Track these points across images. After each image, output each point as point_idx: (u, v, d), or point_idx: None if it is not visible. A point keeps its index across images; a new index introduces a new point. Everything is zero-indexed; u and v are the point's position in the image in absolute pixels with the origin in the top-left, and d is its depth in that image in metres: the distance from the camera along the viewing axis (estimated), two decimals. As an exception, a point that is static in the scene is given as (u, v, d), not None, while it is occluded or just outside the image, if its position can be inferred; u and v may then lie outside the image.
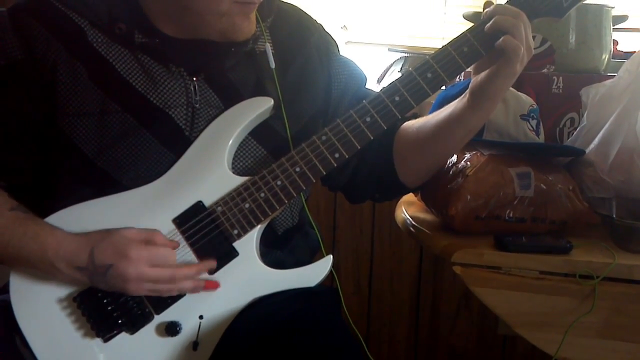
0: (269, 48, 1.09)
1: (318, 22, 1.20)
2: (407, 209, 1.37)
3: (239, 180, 1.03)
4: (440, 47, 1.05)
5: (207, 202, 1.02)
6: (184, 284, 0.99)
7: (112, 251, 0.95)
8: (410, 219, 1.32)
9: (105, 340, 1.00)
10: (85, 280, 0.98)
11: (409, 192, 1.28)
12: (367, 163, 1.18)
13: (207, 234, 1.01)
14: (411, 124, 1.18)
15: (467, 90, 1.07)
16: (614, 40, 1.60)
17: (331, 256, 1.05)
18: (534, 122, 1.33)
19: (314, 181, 1.03)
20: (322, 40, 1.17)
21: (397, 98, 1.02)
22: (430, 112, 1.31)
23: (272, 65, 1.08)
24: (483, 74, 1.04)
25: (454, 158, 1.25)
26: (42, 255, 0.97)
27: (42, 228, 0.99)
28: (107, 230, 0.98)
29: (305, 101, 1.13)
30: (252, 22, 1.02)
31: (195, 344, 1.00)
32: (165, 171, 1.04)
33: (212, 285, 1.01)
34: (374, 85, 1.85)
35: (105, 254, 0.95)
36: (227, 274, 1.02)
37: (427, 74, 1.02)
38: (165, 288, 0.99)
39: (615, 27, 1.57)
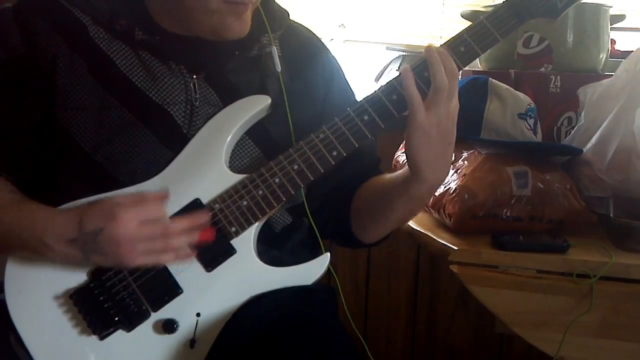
0: (275, 51, 1.09)
1: (326, 44, 1.22)
2: (405, 208, 1.37)
3: (237, 177, 1.03)
4: (438, 45, 1.05)
5: (205, 199, 1.02)
6: (179, 240, 0.96)
7: (100, 215, 0.93)
8: (408, 218, 1.32)
9: (102, 338, 0.99)
10: (77, 255, 0.96)
11: (362, 247, 1.21)
12: (329, 206, 1.16)
13: (205, 232, 1.01)
14: (375, 180, 1.15)
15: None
16: (611, 39, 1.61)
17: (328, 254, 1.05)
18: (531, 121, 1.33)
19: (312, 179, 1.03)
20: (328, 62, 1.19)
21: (394, 96, 1.02)
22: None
23: (278, 68, 1.09)
24: (408, 145, 1.00)
25: (452, 157, 1.25)
26: (32, 232, 0.96)
27: (37, 206, 0.99)
28: (95, 198, 0.97)
29: (306, 111, 1.13)
30: (246, 22, 1.02)
31: (192, 342, 1.00)
32: (162, 168, 1.04)
33: (208, 236, 0.98)
34: (372, 84, 1.85)
35: (94, 218, 0.93)
36: (225, 272, 1.01)
37: (424, 72, 1.02)
38: (160, 246, 0.95)
39: (613, 26, 1.57)
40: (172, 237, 0.95)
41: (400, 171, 1.07)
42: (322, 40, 1.22)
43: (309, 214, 1.13)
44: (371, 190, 1.14)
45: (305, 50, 1.17)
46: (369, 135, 1.03)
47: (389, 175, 1.12)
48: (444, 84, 0.96)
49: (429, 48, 0.99)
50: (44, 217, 0.97)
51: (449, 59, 0.98)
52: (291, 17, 1.18)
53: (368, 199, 1.14)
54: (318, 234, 1.15)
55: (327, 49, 1.21)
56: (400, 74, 1.00)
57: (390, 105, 1.02)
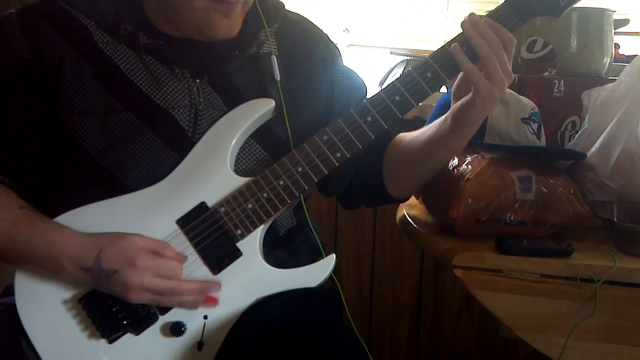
0: (275, 60, 1.10)
1: (324, 32, 1.21)
2: (409, 212, 1.38)
3: (242, 180, 1.04)
4: (440, 47, 1.05)
5: (211, 202, 1.03)
6: (184, 298, 1.00)
7: (119, 257, 0.96)
8: (412, 222, 1.32)
9: (111, 341, 1.00)
10: (88, 281, 0.99)
11: (397, 203, 1.30)
12: (361, 175, 1.20)
13: (211, 235, 1.02)
14: (401, 139, 1.19)
15: (448, 114, 1.08)
16: (615, 43, 1.60)
17: (334, 255, 1.05)
18: (535, 126, 1.33)
19: (316, 180, 1.04)
20: (327, 50, 1.19)
21: (397, 98, 1.03)
22: (432, 116, 1.32)
23: (277, 77, 1.09)
24: (463, 101, 1.04)
25: (455, 161, 1.26)
26: (48, 252, 0.98)
27: (50, 226, 1.00)
28: (116, 234, 0.99)
29: (308, 109, 1.14)
30: (234, 22, 1.02)
31: (199, 344, 1.01)
32: (168, 171, 1.04)
33: (211, 301, 1.01)
34: (376, 88, 1.86)
35: (113, 259, 0.96)
36: (231, 274, 1.02)
37: (426, 73, 1.03)
38: (166, 300, 0.99)
39: (617, 30, 1.57)
40: (179, 295, 0.99)
41: (435, 130, 1.10)
42: (317, 27, 1.21)
43: (307, 217, 1.14)
44: (407, 151, 1.17)
45: (302, 44, 1.16)
46: (372, 137, 1.04)
47: (424, 133, 1.14)
48: (487, 51, 0.99)
49: (465, 22, 1.01)
50: (61, 239, 0.99)
51: (485, 28, 1.00)
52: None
53: (404, 160, 1.17)
54: (318, 239, 1.16)
55: (323, 37, 1.20)
56: (452, 52, 1.02)
57: (393, 106, 1.03)
